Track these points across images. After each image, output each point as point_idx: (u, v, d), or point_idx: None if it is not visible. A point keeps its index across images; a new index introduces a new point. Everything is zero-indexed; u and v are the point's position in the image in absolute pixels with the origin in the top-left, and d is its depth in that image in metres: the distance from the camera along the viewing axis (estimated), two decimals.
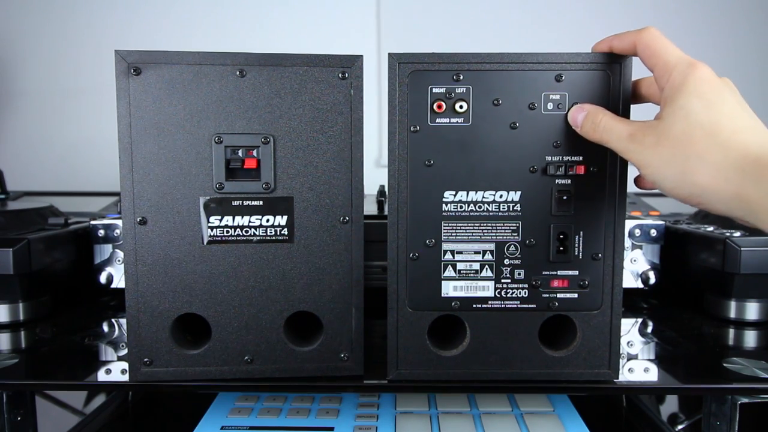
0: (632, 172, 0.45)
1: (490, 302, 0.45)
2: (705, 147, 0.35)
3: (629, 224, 0.63)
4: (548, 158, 0.43)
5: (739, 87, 0.37)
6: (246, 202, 0.44)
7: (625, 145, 0.38)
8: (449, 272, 0.45)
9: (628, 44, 0.40)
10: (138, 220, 0.43)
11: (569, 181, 0.43)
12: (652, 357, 0.52)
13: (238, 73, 0.43)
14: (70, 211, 0.77)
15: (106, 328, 0.61)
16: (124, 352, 0.52)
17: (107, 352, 0.53)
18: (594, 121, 0.40)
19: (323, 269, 0.45)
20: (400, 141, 0.43)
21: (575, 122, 0.42)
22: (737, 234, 0.59)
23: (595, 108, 0.41)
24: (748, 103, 0.37)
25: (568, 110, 0.43)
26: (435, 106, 0.43)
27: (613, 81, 0.43)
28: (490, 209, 0.44)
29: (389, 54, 0.43)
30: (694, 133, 0.35)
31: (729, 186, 0.34)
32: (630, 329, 0.60)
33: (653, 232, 0.63)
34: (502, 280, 0.45)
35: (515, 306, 0.45)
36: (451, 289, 0.45)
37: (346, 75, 0.43)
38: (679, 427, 0.69)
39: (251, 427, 0.50)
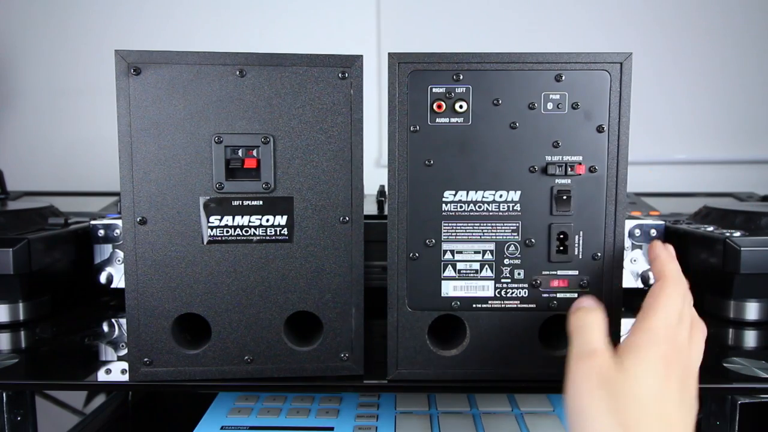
0: (632, 173, 0.45)
1: (490, 302, 0.45)
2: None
3: (629, 224, 0.63)
4: (548, 158, 0.43)
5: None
6: (246, 202, 0.44)
7: (572, 364, 0.36)
8: (449, 272, 0.44)
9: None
10: (138, 220, 0.43)
11: (569, 181, 0.43)
12: None
13: (238, 73, 0.43)
14: (70, 211, 0.77)
15: (106, 328, 0.61)
16: (124, 352, 0.52)
17: (107, 352, 0.53)
18: (581, 319, 0.38)
19: (323, 269, 0.45)
20: (400, 141, 0.43)
21: (572, 308, 0.40)
22: (737, 234, 0.59)
23: (593, 312, 0.39)
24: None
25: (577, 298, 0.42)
26: (435, 106, 0.43)
27: (612, 81, 0.43)
28: (489, 209, 0.44)
29: (389, 54, 0.43)
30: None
31: None
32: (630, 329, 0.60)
33: (653, 232, 0.63)
34: (502, 280, 0.45)
35: (515, 306, 0.45)
36: (451, 288, 0.45)
37: (346, 75, 0.43)
38: None
39: (251, 427, 0.50)
